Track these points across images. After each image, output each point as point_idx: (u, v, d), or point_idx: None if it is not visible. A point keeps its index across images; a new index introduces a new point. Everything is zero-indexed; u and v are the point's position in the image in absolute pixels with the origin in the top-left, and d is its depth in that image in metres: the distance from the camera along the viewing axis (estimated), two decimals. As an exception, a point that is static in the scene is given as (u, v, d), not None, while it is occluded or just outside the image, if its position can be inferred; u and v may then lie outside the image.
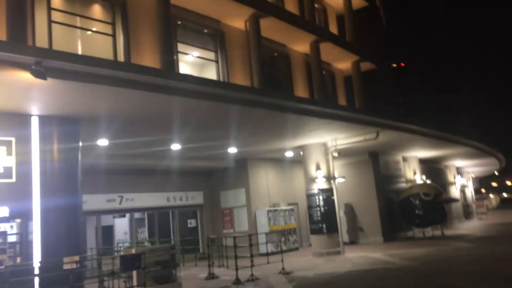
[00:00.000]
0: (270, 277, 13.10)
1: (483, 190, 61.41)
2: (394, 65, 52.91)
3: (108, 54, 15.06)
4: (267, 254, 15.21)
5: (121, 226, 21.36)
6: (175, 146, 16.00)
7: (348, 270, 13.56)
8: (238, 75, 19.04)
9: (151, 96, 10.60)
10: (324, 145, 18.29)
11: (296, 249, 20.92)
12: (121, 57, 15.35)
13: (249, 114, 13.49)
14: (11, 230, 10.36)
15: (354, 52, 25.22)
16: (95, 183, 17.29)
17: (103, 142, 13.98)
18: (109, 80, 9.49)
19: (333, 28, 25.93)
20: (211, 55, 18.82)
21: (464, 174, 40.88)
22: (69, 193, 10.61)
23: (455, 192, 35.12)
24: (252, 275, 12.89)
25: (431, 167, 30.48)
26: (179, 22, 17.40)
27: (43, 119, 10.41)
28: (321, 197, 18.04)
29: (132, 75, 9.99)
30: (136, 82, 10.04)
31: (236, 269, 12.74)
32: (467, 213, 38.18)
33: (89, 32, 15.12)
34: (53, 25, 13.97)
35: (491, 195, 67.85)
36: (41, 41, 13.30)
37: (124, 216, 20.57)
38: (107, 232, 21.43)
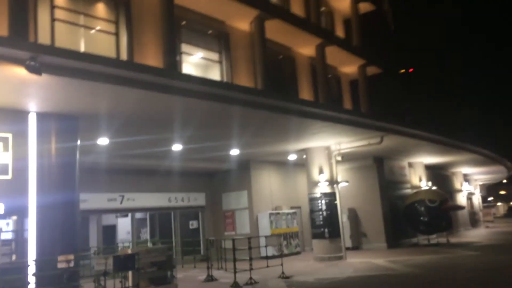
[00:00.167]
0: (269, 281, 12.91)
1: (491, 198, 60.77)
2: (402, 70, 52.57)
3: (111, 53, 14.99)
4: (267, 258, 14.97)
5: (124, 225, 21.27)
6: (177, 147, 15.86)
7: (349, 276, 13.33)
8: (242, 77, 18.91)
9: (152, 95, 10.46)
10: (328, 148, 18.09)
11: (298, 253, 20.68)
12: (124, 56, 15.29)
13: (252, 116, 13.33)
14: (7, 227, 10.29)
15: (360, 56, 25.04)
16: (96, 182, 17.21)
17: (103, 141, 13.86)
18: (108, 78, 9.36)
19: (340, 32, 25.76)
20: (215, 56, 18.72)
21: (471, 181, 40.45)
22: (66, 191, 10.46)
23: (461, 199, 34.72)
24: (250, 278, 12.69)
25: (437, 173, 30.15)
26: (183, 23, 17.32)
27: (41, 116, 10.30)
28: (323, 201, 17.82)
29: (131, 73, 9.86)
30: (136, 81, 9.91)
31: (235, 272, 12.56)
32: (474, 221, 37.74)
33: (92, 31, 15.08)
34: (56, 23, 13.96)
35: (498, 203, 67.17)
36: (44, 38, 13.26)
37: (126, 215, 20.47)
38: (110, 232, 21.39)
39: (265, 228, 19.60)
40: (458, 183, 35.10)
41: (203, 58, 18.33)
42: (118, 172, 18.01)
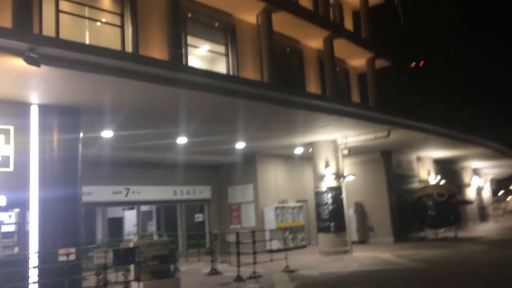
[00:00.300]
0: (273, 275, 12.84)
1: (501, 193, 60.14)
2: (412, 64, 52.08)
3: (116, 46, 14.92)
4: (271, 251, 14.89)
5: (131, 218, 21.26)
6: (182, 140, 15.78)
7: (354, 270, 13.23)
8: (248, 70, 18.78)
9: (157, 88, 10.35)
10: (334, 142, 17.92)
11: (304, 246, 20.60)
12: (129, 49, 15.22)
13: (258, 109, 13.18)
14: (10, 219, 10.28)
15: (369, 49, 24.77)
16: (101, 174, 17.22)
17: (107, 133, 13.81)
18: (110, 70, 9.26)
19: (349, 24, 25.47)
20: (221, 49, 18.60)
21: (481, 175, 40.04)
22: (69, 184, 10.42)
23: (471, 193, 34.38)
24: (254, 272, 12.62)
25: (446, 167, 29.84)
26: (189, 15, 17.21)
27: (43, 108, 10.24)
28: (329, 195, 17.68)
29: (135, 65, 9.74)
30: (140, 73, 9.78)
31: (238, 266, 12.49)
32: (483, 215, 37.39)
33: (97, 23, 15.03)
34: (61, 15, 13.92)
35: (508, 198, 66.50)
36: (48, 31, 13.23)
37: (133, 208, 20.49)
38: (117, 224, 21.42)
39: (270, 221, 19.53)
40: (467, 177, 34.76)
41: (209, 51, 18.21)
42: (123, 165, 18.00)
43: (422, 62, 52.72)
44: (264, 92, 12.70)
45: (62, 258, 8.86)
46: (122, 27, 15.46)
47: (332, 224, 17.51)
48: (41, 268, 9.20)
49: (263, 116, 14.09)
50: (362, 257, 16.15)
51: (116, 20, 15.43)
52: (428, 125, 19.10)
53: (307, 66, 22.26)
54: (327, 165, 17.74)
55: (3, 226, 9.78)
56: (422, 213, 22.09)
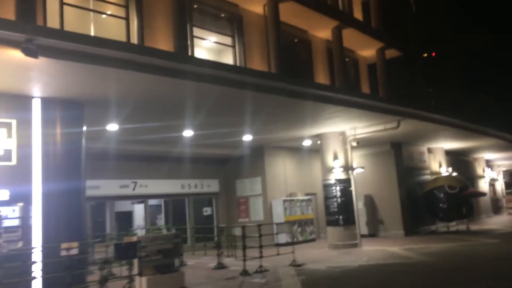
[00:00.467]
0: (279, 269, 12.68)
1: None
2: (425, 54, 51.39)
3: (121, 38, 14.79)
4: (278, 245, 14.67)
5: (140, 212, 21.23)
6: (188, 133, 15.64)
7: (362, 264, 13.02)
8: (256, 62, 18.56)
9: (162, 80, 10.19)
10: (343, 134, 17.66)
11: (313, 240, 20.43)
12: (134, 41, 15.09)
13: (265, 101, 12.97)
14: (13, 213, 10.22)
15: (379, 39, 24.37)
16: (109, 168, 17.19)
17: (113, 127, 13.71)
18: (113, 62, 9.12)
19: (358, 14, 25.04)
20: (228, 40, 18.39)
21: (494, 167, 39.48)
22: (72, 177, 10.34)
23: (483, 185, 33.90)
24: (260, 266, 12.48)
25: (458, 159, 29.41)
26: (195, 6, 17.01)
27: (45, 101, 10.13)
28: (338, 188, 17.45)
29: (138, 56, 9.58)
30: (144, 65, 9.63)
31: (244, 260, 12.35)
32: (496, 207, 36.88)
33: (103, 16, 14.91)
34: (65, 7, 13.81)
35: (523, 190, 65.59)
36: (53, 23, 13.12)
37: (143, 202, 20.45)
38: (126, 218, 21.41)
39: (279, 215, 19.36)
40: (480, 169, 34.26)
41: (216, 42, 18.02)
42: (130, 158, 17.93)
43: (434, 54, 51.99)
44: (272, 83, 12.49)
45: (65, 253, 8.78)
46: (127, 19, 15.34)
47: (340, 217, 17.31)
48: (44, 262, 9.13)
49: (270, 107, 13.88)
50: (371, 251, 15.93)
51: (121, 12, 15.31)
52: (439, 115, 18.73)
53: (316, 57, 21.96)
54: (335, 157, 17.51)
55: (7, 221, 9.69)
56: (433, 205, 21.76)
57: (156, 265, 9.87)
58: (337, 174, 17.48)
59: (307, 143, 19.40)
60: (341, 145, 17.61)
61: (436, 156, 25.90)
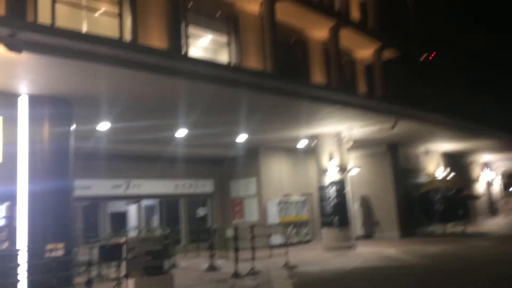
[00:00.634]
0: (271, 271, 12.47)
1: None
2: (423, 56, 51.19)
3: (115, 36, 14.61)
4: (271, 247, 14.46)
5: (135, 212, 21.00)
6: (182, 132, 15.41)
7: (356, 267, 12.82)
8: (251, 61, 18.40)
9: (154, 78, 10.00)
10: (338, 135, 17.46)
11: (308, 241, 20.22)
12: (127, 38, 14.90)
13: (261, 100, 12.79)
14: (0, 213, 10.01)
15: (376, 39, 24.24)
16: (100, 168, 16.91)
17: (104, 125, 13.46)
18: (101, 58, 8.90)
19: (355, 14, 24.90)
20: (223, 39, 18.22)
21: (492, 169, 39.32)
22: (60, 177, 10.12)
23: (480, 187, 33.74)
24: (252, 268, 12.27)
25: (455, 161, 29.23)
26: (190, 5, 16.83)
27: (32, 99, 9.91)
28: (333, 189, 17.26)
29: (130, 53, 9.41)
30: (135, 63, 9.43)
31: (236, 262, 12.13)
32: (493, 209, 36.74)
33: (95, 13, 14.71)
34: (58, 4, 13.63)
35: (520, 192, 65.47)
36: (44, 20, 12.94)
37: (136, 202, 20.20)
38: (121, 219, 21.17)
39: (274, 216, 19.14)
40: (477, 170, 34.11)
41: (212, 41, 17.84)
42: (123, 158, 17.66)
43: (433, 54, 51.77)
44: (267, 82, 12.33)
45: (50, 254, 8.58)
46: (120, 16, 15.16)
47: (335, 218, 17.12)
48: (30, 264, 8.92)
49: (266, 107, 13.71)
50: (366, 253, 15.74)
51: (114, 9, 15.12)
52: (435, 115, 18.56)
53: (312, 57, 21.81)
54: (330, 158, 17.32)
55: (-8, 221, 9.49)
56: (429, 207, 21.62)
57: (145, 266, 9.66)
58: (332, 175, 17.29)
59: (302, 143, 19.19)
60: (337, 146, 17.41)
61: (433, 158, 25.76)
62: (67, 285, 9.30)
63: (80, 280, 9.75)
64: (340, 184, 17.28)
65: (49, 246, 8.52)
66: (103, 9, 14.95)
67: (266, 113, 14.31)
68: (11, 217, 9.77)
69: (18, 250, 9.03)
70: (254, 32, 18.66)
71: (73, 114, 10.80)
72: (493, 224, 27.18)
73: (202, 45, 17.75)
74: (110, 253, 8.58)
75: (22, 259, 8.96)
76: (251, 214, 19.97)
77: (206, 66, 11.28)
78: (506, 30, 47.68)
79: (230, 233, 13.09)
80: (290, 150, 20.97)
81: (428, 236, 21.36)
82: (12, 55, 7.61)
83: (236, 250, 12.31)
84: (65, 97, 10.46)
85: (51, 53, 8.11)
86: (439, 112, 20.45)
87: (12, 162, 9.60)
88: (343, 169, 17.41)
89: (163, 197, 19.83)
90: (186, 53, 16.06)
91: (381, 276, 11.29)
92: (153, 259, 9.78)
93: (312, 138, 18.07)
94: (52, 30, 8.60)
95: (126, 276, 9.00)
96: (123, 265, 9.41)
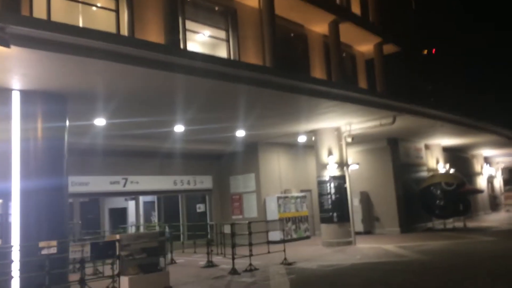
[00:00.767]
0: (269, 268, 12.37)
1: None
2: (425, 51, 50.95)
3: (111, 30, 14.44)
4: (268, 243, 14.22)
5: (135, 208, 20.93)
6: (180, 128, 15.28)
7: (355, 263, 12.70)
8: (250, 56, 18.20)
9: (150, 73, 9.83)
10: (338, 130, 17.31)
11: (308, 237, 20.10)
12: (124, 33, 14.73)
13: (259, 95, 12.62)
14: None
15: (377, 34, 24.01)
16: (97, 164, 16.82)
17: (100, 121, 13.34)
18: (96, 53, 8.74)
19: (356, 8, 24.63)
20: (222, 34, 18.02)
21: (493, 164, 39.14)
22: (53, 174, 9.98)
23: (481, 182, 33.57)
24: (250, 265, 12.16)
25: (456, 156, 29.08)
26: (188, -1, 16.65)
27: (25, 94, 9.76)
28: (332, 185, 17.13)
29: (126, 48, 9.20)
30: (131, 57, 9.25)
31: (233, 258, 12.03)
32: (494, 205, 36.59)
33: (92, 7, 14.54)
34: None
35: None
36: (39, 14, 12.76)
37: (135, 198, 20.11)
38: (121, 215, 21.12)
39: (273, 212, 19.03)
40: (478, 165, 33.92)
41: (210, 36, 17.65)
42: (121, 154, 17.54)
43: (434, 50, 51.51)
44: (266, 77, 12.13)
45: (44, 252, 8.47)
46: (117, 11, 14.98)
47: (335, 214, 16.99)
48: (22, 261, 8.81)
49: (264, 102, 13.55)
50: (365, 249, 15.62)
51: (111, 4, 14.94)
52: (435, 111, 18.38)
53: (312, 52, 21.60)
54: (330, 153, 17.18)
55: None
56: (429, 202, 21.46)
57: (140, 264, 9.55)
58: (332, 170, 17.15)
59: (302, 139, 19.05)
60: (336, 141, 17.26)
61: (433, 153, 25.59)
62: (61, 282, 9.19)
63: (75, 277, 9.64)
64: (340, 180, 17.15)
65: (41, 244, 8.40)
66: (99, 3, 14.77)
67: (264, 108, 14.16)
68: (4, 214, 9.67)
69: (11, 247, 8.91)
70: (253, 26, 18.46)
71: (68, 110, 10.67)
72: (494, 219, 27.04)
73: (200, 39, 17.56)
74: (103, 251, 8.46)
75: (15, 256, 8.85)
76: (250, 210, 19.86)
77: (204, 61, 11.09)
78: (506, 27, 47.31)
79: (227, 229, 12.91)
80: (289, 146, 20.83)
81: (428, 231, 21.22)
82: (1, 49, 7.46)
83: (233, 246, 12.19)
84: (59, 92, 10.32)
85: (41, 47, 7.94)
86: (438, 106, 20.26)
87: (5, 160, 9.47)
88: (342, 164, 17.26)
89: (162, 193, 19.74)
90: (184, 48, 15.88)
91: (379, 273, 11.16)
92: (148, 256, 9.67)
93: (311, 133, 17.93)
94: (41, 23, 8.42)
95: (120, 274, 8.87)
96: (118, 262, 9.29)
